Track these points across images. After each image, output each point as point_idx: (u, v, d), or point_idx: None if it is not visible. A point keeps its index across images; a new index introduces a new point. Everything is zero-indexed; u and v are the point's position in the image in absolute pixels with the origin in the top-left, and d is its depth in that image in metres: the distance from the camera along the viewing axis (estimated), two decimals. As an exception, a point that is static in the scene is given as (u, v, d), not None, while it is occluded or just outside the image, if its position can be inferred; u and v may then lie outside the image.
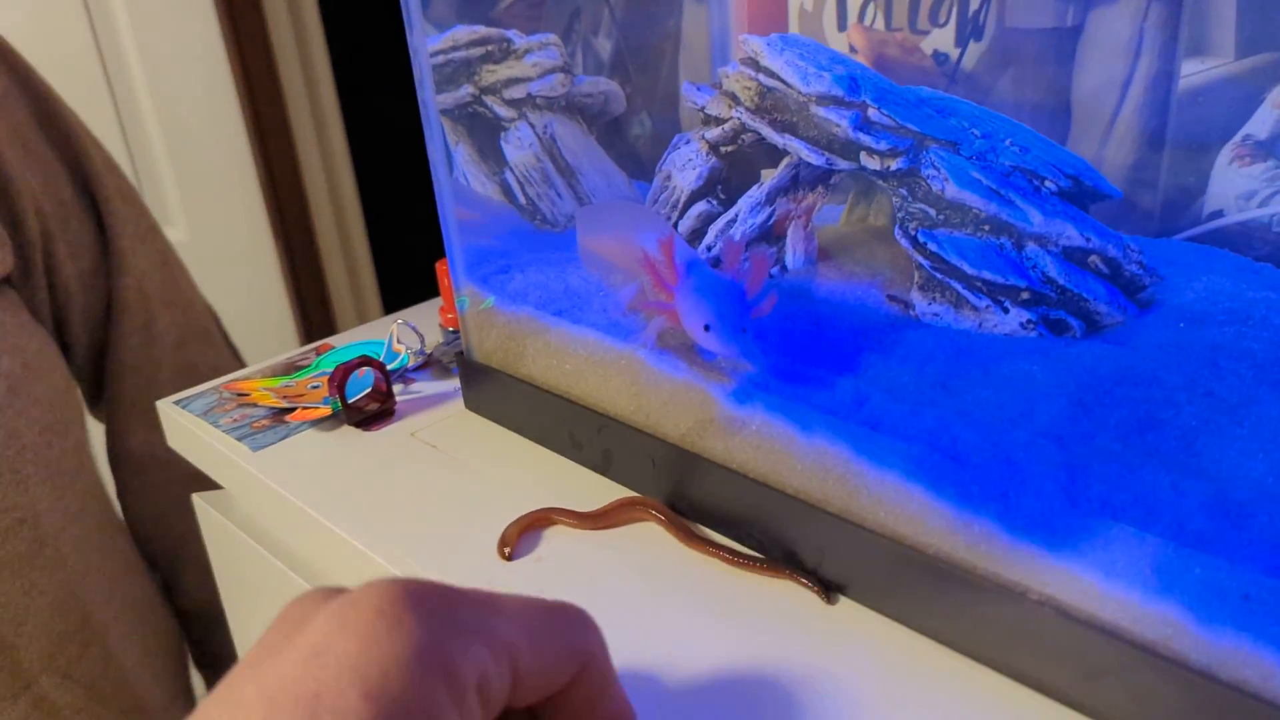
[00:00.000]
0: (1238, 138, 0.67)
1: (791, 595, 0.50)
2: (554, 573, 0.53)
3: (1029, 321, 0.53)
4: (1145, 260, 0.54)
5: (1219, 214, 0.67)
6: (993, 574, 0.44)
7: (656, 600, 0.50)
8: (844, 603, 0.49)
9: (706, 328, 0.51)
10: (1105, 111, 0.73)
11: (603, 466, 0.61)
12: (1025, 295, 0.53)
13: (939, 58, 0.83)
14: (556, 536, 0.56)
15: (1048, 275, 0.53)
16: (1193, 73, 0.67)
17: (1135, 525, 0.41)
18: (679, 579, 0.52)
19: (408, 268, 2.01)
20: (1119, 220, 0.59)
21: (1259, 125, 0.66)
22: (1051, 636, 0.42)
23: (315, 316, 1.70)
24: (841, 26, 0.86)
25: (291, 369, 0.78)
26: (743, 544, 0.54)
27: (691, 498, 0.56)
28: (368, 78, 1.77)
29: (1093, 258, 0.53)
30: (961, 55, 0.77)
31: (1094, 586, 0.41)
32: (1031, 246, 0.53)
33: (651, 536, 0.55)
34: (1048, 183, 0.54)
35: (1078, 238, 0.53)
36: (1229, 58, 0.66)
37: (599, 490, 0.59)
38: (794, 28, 0.87)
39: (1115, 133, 0.73)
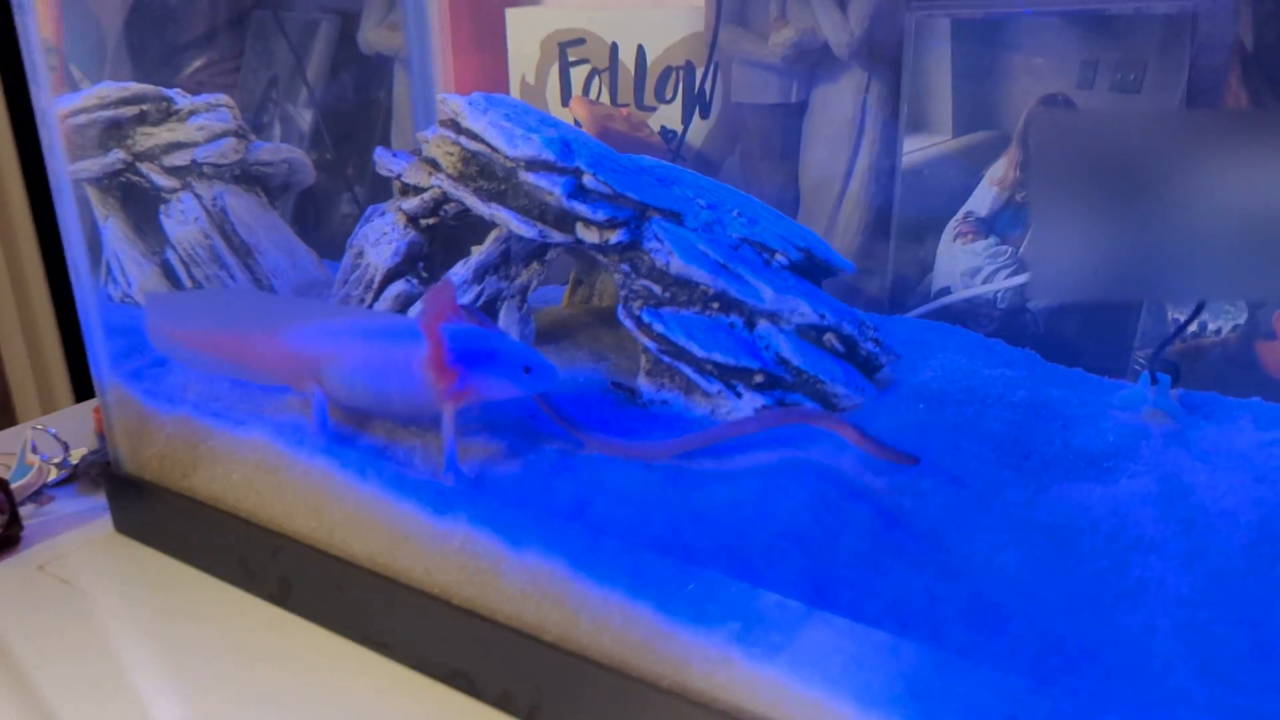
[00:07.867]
0: (960, 214, 0.66)
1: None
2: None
3: (764, 407, 0.48)
4: (882, 337, 0.51)
5: (947, 290, 0.66)
6: (735, 707, 0.37)
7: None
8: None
9: (527, 369, 0.46)
10: (833, 187, 0.72)
11: (280, 597, 0.50)
12: (759, 378, 0.48)
13: (666, 134, 0.79)
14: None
15: (781, 355, 0.48)
16: (914, 150, 0.66)
17: (890, 637, 0.36)
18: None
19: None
20: (849, 299, 0.56)
21: (979, 202, 0.65)
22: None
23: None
24: (565, 100, 0.82)
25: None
26: (450, 685, 0.44)
27: (388, 632, 0.46)
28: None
29: (828, 335, 0.49)
30: (685, 131, 0.74)
31: (849, 718, 0.34)
32: (763, 324, 0.48)
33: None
34: (778, 256, 0.50)
35: (811, 314, 0.49)
36: (947, 135, 0.65)
37: (276, 628, 0.48)
38: (517, 102, 0.82)
39: (844, 209, 0.71)
